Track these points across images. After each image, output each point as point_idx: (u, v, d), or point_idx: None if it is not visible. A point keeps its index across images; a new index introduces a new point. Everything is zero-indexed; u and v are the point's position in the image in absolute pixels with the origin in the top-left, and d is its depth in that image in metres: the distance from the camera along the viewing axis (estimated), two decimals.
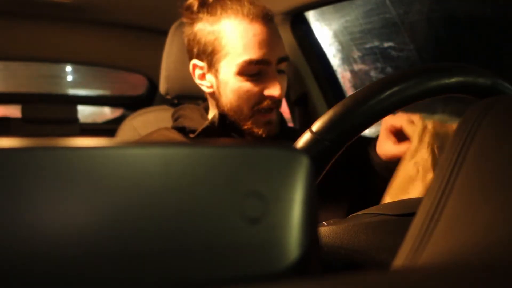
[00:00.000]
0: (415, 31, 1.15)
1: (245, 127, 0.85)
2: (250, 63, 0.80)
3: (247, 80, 0.82)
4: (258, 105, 0.83)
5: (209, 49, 0.84)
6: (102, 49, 1.65)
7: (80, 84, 2.00)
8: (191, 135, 0.88)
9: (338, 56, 1.37)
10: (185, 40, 0.90)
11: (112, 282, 0.16)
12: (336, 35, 1.34)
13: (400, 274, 0.18)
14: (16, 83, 1.87)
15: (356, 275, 0.16)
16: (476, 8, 1.01)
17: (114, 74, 1.92)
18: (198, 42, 0.85)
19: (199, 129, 0.86)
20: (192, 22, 0.86)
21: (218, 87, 0.85)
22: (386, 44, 1.24)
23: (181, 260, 0.17)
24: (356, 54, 1.35)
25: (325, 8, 1.26)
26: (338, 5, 1.22)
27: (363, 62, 1.35)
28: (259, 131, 0.84)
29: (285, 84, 0.85)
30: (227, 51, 0.81)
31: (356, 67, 1.37)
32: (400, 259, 0.26)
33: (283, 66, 0.84)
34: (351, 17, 1.28)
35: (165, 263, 0.17)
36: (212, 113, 0.92)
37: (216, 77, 0.85)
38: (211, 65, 0.85)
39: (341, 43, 1.35)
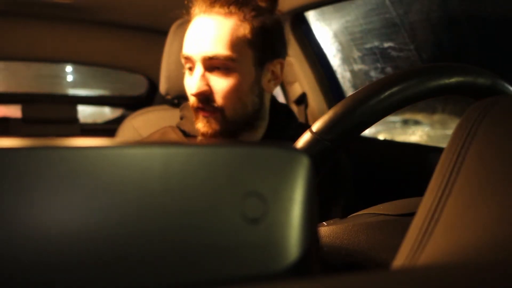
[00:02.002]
0: (415, 31, 1.15)
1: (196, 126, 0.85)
2: (183, 57, 0.82)
3: (187, 76, 0.84)
4: (192, 102, 0.83)
5: None
6: (102, 49, 1.65)
7: (80, 84, 2.00)
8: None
9: (338, 56, 1.37)
10: None
11: (112, 282, 0.16)
12: (336, 35, 1.34)
13: (400, 274, 0.18)
14: (16, 83, 1.87)
15: (356, 275, 0.16)
16: (476, 8, 1.01)
17: (114, 74, 1.92)
18: None
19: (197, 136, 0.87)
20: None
21: None
22: (386, 44, 1.24)
23: (181, 260, 0.17)
24: (356, 54, 1.35)
25: (325, 8, 1.26)
26: (338, 5, 1.22)
27: (363, 62, 1.35)
28: (201, 128, 0.83)
29: (224, 87, 0.81)
30: None
31: (356, 67, 1.37)
32: (400, 259, 0.26)
33: (216, 63, 0.80)
34: (351, 17, 1.28)
35: (165, 263, 0.17)
36: None
37: None
38: None
39: (341, 43, 1.35)
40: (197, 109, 0.83)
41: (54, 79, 1.94)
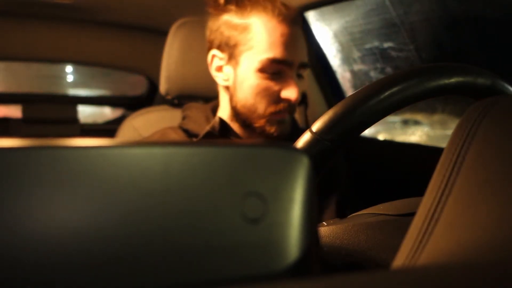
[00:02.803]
0: (414, 31, 1.15)
1: (257, 125, 0.85)
2: (273, 62, 0.80)
3: (267, 78, 0.82)
4: (273, 105, 0.83)
5: (233, 41, 0.84)
6: (102, 49, 1.65)
7: (81, 84, 2.00)
8: (194, 139, 0.89)
9: (338, 56, 1.37)
10: (207, 30, 0.90)
11: (112, 282, 0.16)
12: (336, 35, 1.34)
13: (400, 274, 0.18)
14: (16, 83, 1.87)
15: (356, 275, 0.16)
16: (476, 8, 1.01)
17: (114, 74, 1.92)
18: (222, 34, 0.85)
19: (201, 134, 0.86)
20: (218, 13, 0.86)
21: (235, 81, 0.85)
22: (386, 45, 1.24)
23: (180, 260, 0.17)
24: (356, 54, 1.35)
25: (325, 9, 1.26)
26: (338, 5, 1.22)
27: (363, 62, 1.35)
28: (271, 129, 0.84)
29: (302, 89, 0.87)
30: (252, 45, 0.81)
31: (356, 67, 1.37)
32: (400, 259, 0.26)
33: (303, 71, 0.84)
34: (351, 17, 1.28)
35: (165, 263, 0.17)
36: (223, 109, 0.92)
37: (235, 70, 0.85)
38: (232, 57, 0.85)
39: (341, 43, 1.35)
40: (276, 113, 0.84)
41: (54, 79, 1.94)
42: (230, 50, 0.84)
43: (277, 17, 0.80)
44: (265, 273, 0.18)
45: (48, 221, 0.16)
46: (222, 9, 0.85)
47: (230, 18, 0.84)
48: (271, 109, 0.83)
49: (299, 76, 0.84)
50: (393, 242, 0.43)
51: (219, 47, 0.86)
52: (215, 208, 0.18)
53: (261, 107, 0.83)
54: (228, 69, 0.86)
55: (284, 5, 0.82)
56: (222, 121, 0.86)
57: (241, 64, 0.83)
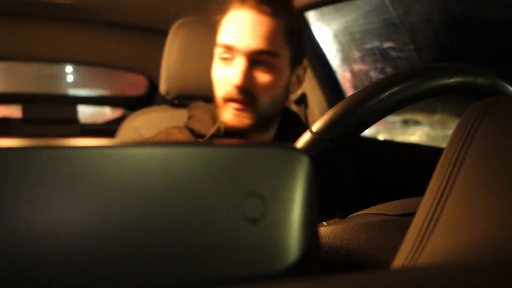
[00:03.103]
0: (414, 31, 1.15)
1: (220, 118, 0.85)
2: (220, 46, 0.82)
3: (220, 65, 0.83)
4: (224, 91, 0.83)
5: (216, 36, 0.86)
6: (102, 49, 1.65)
7: (81, 84, 2.00)
8: (200, 140, 0.89)
9: (338, 56, 1.37)
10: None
11: (112, 282, 0.16)
12: (336, 35, 1.34)
13: (400, 274, 0.18)
14: (16, 83, 1.87)
15: (356, 275, 0.16)
16: (476, 8, 1.01)
17: (114, 74, 1.92)
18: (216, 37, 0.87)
19: (207, 136, 0.86)
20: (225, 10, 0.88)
21: None
22: (386, 45, 1.24)
23: (181, 260, 0.17)
24: (356, 54, 1.35)
25: (325, 9, 1.26)
26: (338, 5, 1.22)
27: (363, 62, 1.35)
28: (230, 121, 0.83)
29: (264, 81, 0.82)
30: (217, 38, 0.84)
31: (356, 67, 1.37)
32: (400, 259, 0.26)
33: (262, 57, 0.81)
34: (351, 17, 1.28)
35: (165, 263, 0.17)
36: None
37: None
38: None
39: (341, 44, 1.35)
40: (229, 101, 0.83)
41: (54, 79, 1.94)
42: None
43: (239, 3, 0.82)
44: (265, 273, 0.18)
45: (48, 221, 0.16)
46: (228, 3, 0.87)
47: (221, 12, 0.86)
48: (222, 93, 0.83)
49: (257, 63, 0.81)
50: (393, 242, 0.43)
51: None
52: (215, 208, 0.18)
53: (217, 93, 0.85)
54: None
55: None
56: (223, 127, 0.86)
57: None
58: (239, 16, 0.81)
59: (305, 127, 0.96)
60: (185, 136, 0.91)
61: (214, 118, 0.91)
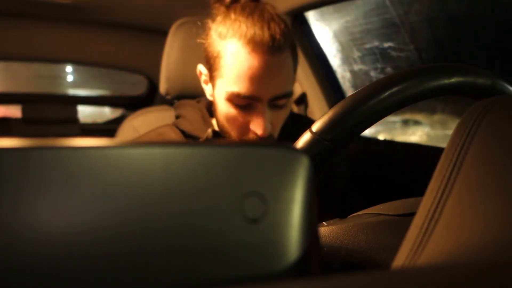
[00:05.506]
0: (415, 31, 1.15)
1: (224, 130, 0.83)
2: (238, 96, 0.75)
3: (235, 108, 0.77)
4: (244, 135, 0.79)
5: (210, 62, 0.79)
6: (102, 49, 1.65)
7: (80, 84, 2.00)
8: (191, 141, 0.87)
9: (338, 56, 1.37)
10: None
11: (112, 282, 0.16)
12: (336, 35, 1.34)
13: (400, 274, 0.18)
14: (16, 83, 1.87)
15: (356, 275, 0.16)
16: (476, 8, 1.01)
17: (114, 74, 1.92)
18: (206, 49, 0.81)
19: (203, 139, 0.84)
20: (214, 20, 0.80)
21: (214, 100, 0.83)
22: (386, 45, 1.25)
23: (181, 260, 0.17)
24: (356, 54, 1.35)
25: (325, 9, 1.26)
26: (338, 5, 1.22)
27: (363, 62, 1.35)
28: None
29: (279, 120, 0.80)
30: (222, 73, 0.77)
31: (356, 67, 1.37)
32: (400, 259, 0.26)
33: (281, 102, 0.78)
34: (351, 17, 1.28)
35: (165, 263, 0.17)
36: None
37: (214, 90, 0.82)
38: (211, 78, 0.82)
39: (341, 43, 1.35)
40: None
41: (54, 79, 1.94)
42: (209, 70, 0.81)
43: (249, 45, 0.73)
44: (265, 273, 0.18)
45: (48, 221, 0.16)
46: (221, 14, 0.79)
47: (215, 34, 0.78)
48: (239, 135, 0.80)
49: (275, 107, 0.78)
50: (393, 242, 0.43)
51: (205, 63, 0.83)
52: (215, 208, 0.18)
53: (233, 134, 0.81)
54: (210, 87, 0.84)
55: (263, 27, 0.73)
56: (215, 132, 0.84)
57: (216, 88, 0.80)
58: (255, 63, 0.73)
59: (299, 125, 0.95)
60: (177, 136, 0.88)
61: (204, 118, 0.89)
